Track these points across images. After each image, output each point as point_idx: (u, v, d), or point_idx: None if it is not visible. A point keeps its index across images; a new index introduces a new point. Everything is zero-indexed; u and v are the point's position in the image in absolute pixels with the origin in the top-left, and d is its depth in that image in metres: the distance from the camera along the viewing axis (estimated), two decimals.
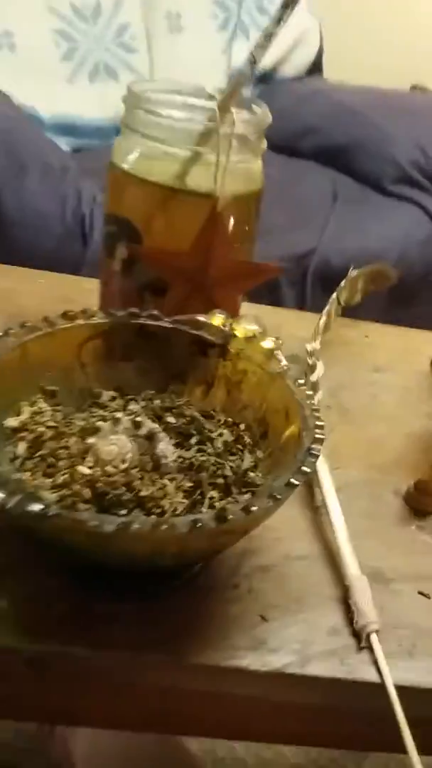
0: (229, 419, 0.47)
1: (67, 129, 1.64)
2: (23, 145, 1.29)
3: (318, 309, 0.71)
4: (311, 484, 0.52)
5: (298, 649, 0.40)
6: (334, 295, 0.70)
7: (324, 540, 0.48)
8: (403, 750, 0.37)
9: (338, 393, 0.64)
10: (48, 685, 0.40)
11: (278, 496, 0.35)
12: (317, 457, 0.38)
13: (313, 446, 0.38)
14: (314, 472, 0.51)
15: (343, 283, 0.71)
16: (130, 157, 0.54)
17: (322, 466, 0.51)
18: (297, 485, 0.36)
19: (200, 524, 0.32)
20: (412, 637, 0.42)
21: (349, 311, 0.80)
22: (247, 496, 0.40)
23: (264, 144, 0.56)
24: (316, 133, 1.64)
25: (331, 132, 1.62)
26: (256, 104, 0.56)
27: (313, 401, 0.43)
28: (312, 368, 0.59)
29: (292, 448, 0.41)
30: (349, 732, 0.44)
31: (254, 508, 0.34)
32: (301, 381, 0.45)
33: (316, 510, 0.50)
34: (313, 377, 0.58)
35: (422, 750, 0.38)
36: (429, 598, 0.45)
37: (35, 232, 1.24)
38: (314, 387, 0.57)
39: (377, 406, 0.64)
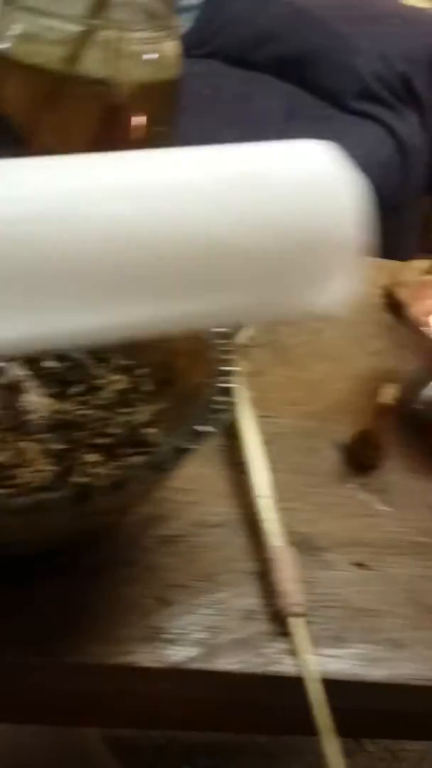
0: (127, 363, 0.38)
1: None
2: None
3: None
4: (235, 436, 0.44)
5: (203, 638, 0.33)
6: None
7: (246, 504, 0.40)
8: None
9: (276, 329, 0.56)
10: None
11: (164, 465, 0.27)
12: (220, 413, 0.30)
13: (217, 399, 0.30)
14: (234, 421, 0.43)
15: None
16: (8, 36, 0.43)
17: (246, 415, 0.43)
18: (187, 450, 0.28)
19: (48, 506, 0.24)
20: (342, 619, 0.36)
21: None
22: (137, 459, 0.32)
23: (176, 20, 0.46)
24: (273, 42, 1.49)
25: (289, 41, 1.47)
26: None
27: (226, 340, 0.34)
28: None
29: (197, 399, 0.33)
30: (269, 722, 0.38)
31: (129, 484, 0.26)
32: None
33: (238, 467, 0.43)
34: None
35: (347, 734, 0.32)
36: (365, 569, 0.39)
37: None
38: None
39: (320, 344, 0.56)
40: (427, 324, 0.49)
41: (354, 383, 0.52)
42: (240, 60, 1.51)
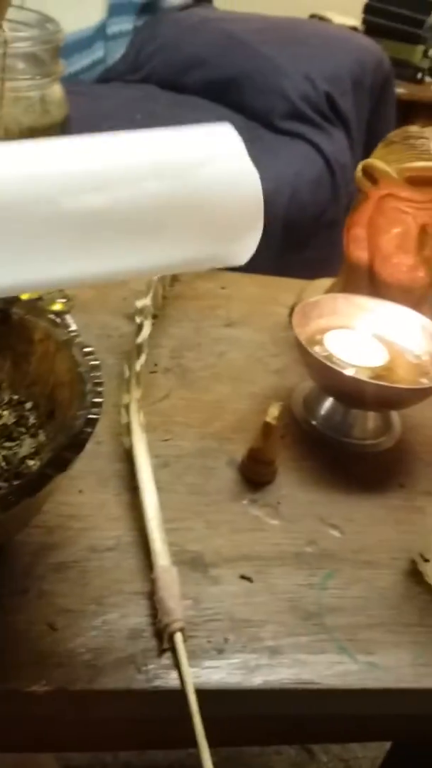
0: (15, 397, 0.40)
1: None
2: None
3: None
4: (131, 461, 0.46)
5: (87, 660, 0.35)
6: None
7: (139, 527, 0.42)
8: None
9: (181, 353, 0.58)
10: None
11: (29, 491, 0.29)
12: (80, 445, 0.32)
13: (83, 430, 0.32)
14: (130, 447, 0.45)
15: None
16: None
17: (139, 439, 0.45)
18: (49, 477, 0.30)
19: None
20: (224, 631, 0.38)
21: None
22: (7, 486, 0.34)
23: (60, 66, 0.48)
24: (202, 66, 1.52)
25: (218, 64, 1.51)
26: (46, 18, 0.47)
27: (96, 372, 0.36)
28: (139, 329, 0.52)
29: (69, 430, 0.35)
30: (157, 737, 0.40)
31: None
32: (89, 348, 0.38)
33: (134, 492, 0.45)
34: (139, 339, 0.51)
35: (230, 743, 0.34)
36: (251, 581, 0.41)
37: None
38: (138, 350, 0.51)
39: (224, 366, 0.58)
40: (316, 343, 0.52)
41: (253, 402, 0.55)
42: (173, 84, 1.54)
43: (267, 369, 0.59)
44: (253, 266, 0.78)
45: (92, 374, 0.36)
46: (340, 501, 0.48)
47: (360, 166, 0.58)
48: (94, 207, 0.26)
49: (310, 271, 0.76)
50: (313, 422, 0.54)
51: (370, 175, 0.56)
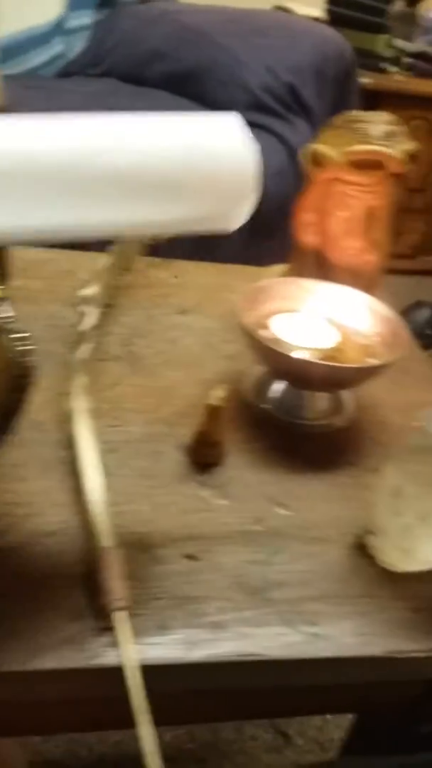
0: None
1: None
2: None
3: (166, 252, 0.65)
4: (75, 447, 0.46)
5: (27, 641, 0.35)
6: None
7: (83, 511, 0.42)
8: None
9: (132, 341, 0.58)
10: None
11: None
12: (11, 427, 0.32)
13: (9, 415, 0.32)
14: (74, 433, 0.45)
15: None
16: None
17: (84, 426, 0.46)
18: None
19: None
20: (167, 609, 0.38)
21: (205, 250, 0.74)
22: None
23: None
24: (163, 59, 1.52)
25: (179, 57, 1.51)
26: None
27: (26, 358, 0.36)
28: (83, 317, 0.52)
29: None
30: (104, 716, 0.40)
31: None
32: (23, 334, 0.38)
33: (79, 477, 0.45)
34: (82, 327, 0.51)
35: (165, 722, 0.34)
36: (196, 560, 0.41)
37: None
38: (83, 337, 0.51)
39: (176, 352, 0.59)
40: (264, 327, 0.53)
41: (204, 388, 0.55)
42: (134, 77, 1.54)
43: (219, 355, 0.59)
44: (219, 256, 0.78)
45: (21, 360, 0.36)
46: (289, 480, 0.48)
47: (306, 151, 0.58)
48: (125, 167, 0.31)
49: (276, 260, 0.76)
50: (264, 405, 0.54)
51: (316, 159, 0.57)
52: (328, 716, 1.09)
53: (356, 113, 0.57)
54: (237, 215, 0.35)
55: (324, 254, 0.60)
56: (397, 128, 0.53)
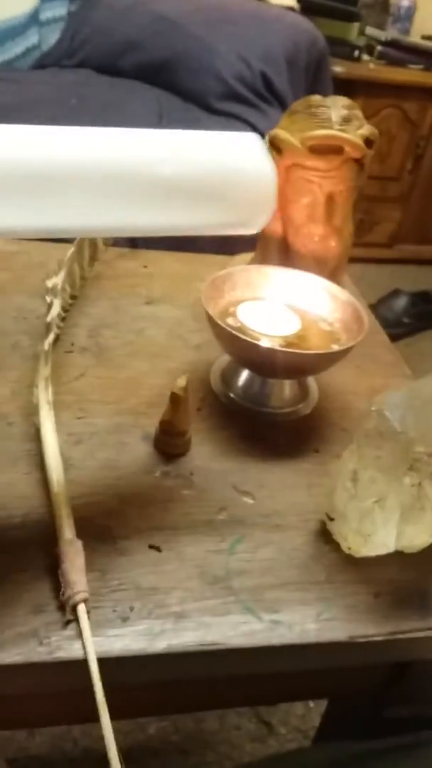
0: None
1: None
2: None
3: (147, 244, 0.65)
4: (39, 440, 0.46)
5: None
6: None
7: (47, 504, 0.42)
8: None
9: (99, 332, 0.58)
10: None
11: None
12: None
13: None
14: (38, 426, 0.45)
15: None
16: None
17: (47, 418, 0.45)
18: None
19: None
20: (130, 600, 0.38)
21: (185, 239, 0.74)
22: None
23: None
24: (136, 49, 1.51)
25: (152, 47, 1.49)
26: None
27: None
28: (49, 307, 0.52)
29: None
30: (65, 710, 0.40)
31: None
32: None
33: (45, 470, 0.44)
34: (48, 318, 0.51)
35: (125, 715, 0.34)
36: (159, 551, 0.41)
37: None
38: (48, 328, 0.50)
39: (142, 343, 0.58)
40: (229, 315, 0.52)
41: (171, 378, 0.55)
42: (108, 68, 1.52)
43: (186, 345, 0.59)
44: (197, 245, 0.77)
45: None
46: (253, 469, 0.48)
47: (266, 137, 0.58)
48: (163, 175, 0.35)
49: (253, 248, 0.76)
50: (231, 394, 0.54)
51: (275, 145, 0.57)
52: (311, 704, 1.10)
53: (314, 98, 0.57)
54: (259, 220, 0.39)
55: (288, 241, 0.60)
56: (355, 112, 0.53)
